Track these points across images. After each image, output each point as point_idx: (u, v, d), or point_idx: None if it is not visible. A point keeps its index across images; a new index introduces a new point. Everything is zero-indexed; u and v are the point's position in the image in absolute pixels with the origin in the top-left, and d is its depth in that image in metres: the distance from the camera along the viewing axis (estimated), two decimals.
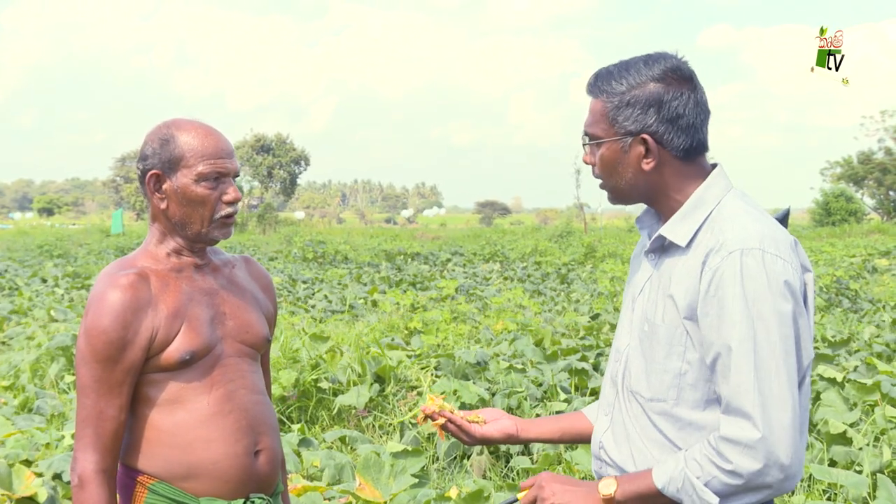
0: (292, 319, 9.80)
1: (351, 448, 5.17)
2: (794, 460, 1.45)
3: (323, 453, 4.53)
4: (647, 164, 1.60)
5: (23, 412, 5.69)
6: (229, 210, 1.81)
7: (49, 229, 43.33)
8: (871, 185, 41.66)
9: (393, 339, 7.65)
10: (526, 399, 5.61)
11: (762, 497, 1.48)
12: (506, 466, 4.95)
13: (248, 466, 1.81)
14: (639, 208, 1.76)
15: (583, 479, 1.68)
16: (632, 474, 1.60)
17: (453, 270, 18.94)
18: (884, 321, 9.93)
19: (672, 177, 1.62)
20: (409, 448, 4.17)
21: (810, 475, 4.34)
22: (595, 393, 5.95)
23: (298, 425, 5.16)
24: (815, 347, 7.37)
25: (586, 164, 1.69)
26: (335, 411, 5.87)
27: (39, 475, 4.04)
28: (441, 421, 1.91)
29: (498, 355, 7.21)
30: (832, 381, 5.49)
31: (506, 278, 16.64)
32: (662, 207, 1.65)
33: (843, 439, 4.74)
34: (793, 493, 4.26)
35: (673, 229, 1.61)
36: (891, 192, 41.32)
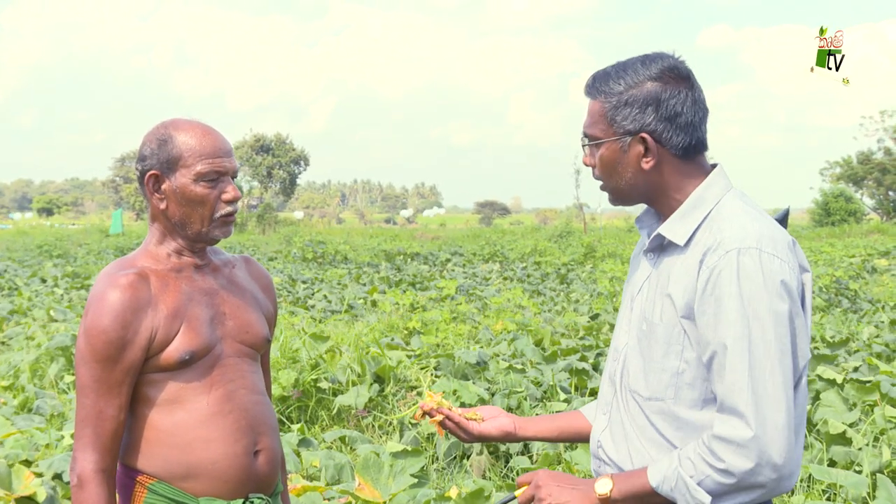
0: (292, 319, 9.80)
1: (350, 448, 5.17)
2: (788, 460, 1.44)
3: (322, 453, 4.53)
4: (647, 164, 1.61)
5: (22, 412, 5.69)
6: (229, 209, 1.81)
7: (48, 229, 43.35)
8: (870, 185, 41.68)
9: (392, 339, 7.65)
10: (525, 399, 5.61)
11: (756, 497, 1.48)
12: (505, 466, 4.95)
13: (248, 466, 1.81)
14: (639, 208, 1.76)
15: (583, 478, 1.67)
16: (627, 473, 1.60)
17: (453, 270, 18.94)
18: (882, 322, 9.94)
19: (671, 176, 1.62)
20: (409, 448, 4.17)
21: (810, 475, 4.34)
22: (594, 393, 5.95)
23: (298, 425, 5.16)
24: (815, 348, 7.38)
25: (586, 165, 1.69)
26: (335, 411, 5.87)
27: (39, 475, 4.04)
28: (439, 418, 1.91)
29: (497, 355, 7.22)
30: (832, 381, 5.49)
31: (505, 278, 16.64)
32: (662, 207, 1.65)
33: (843, 439, 4.74)
34: (792, 493, 4.26)
35: (672, 228, 1.61)
36: (890, 193, 41.34)
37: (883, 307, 11.48)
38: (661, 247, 1.65)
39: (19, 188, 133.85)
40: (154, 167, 1.78)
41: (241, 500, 1.80)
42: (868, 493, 4.06)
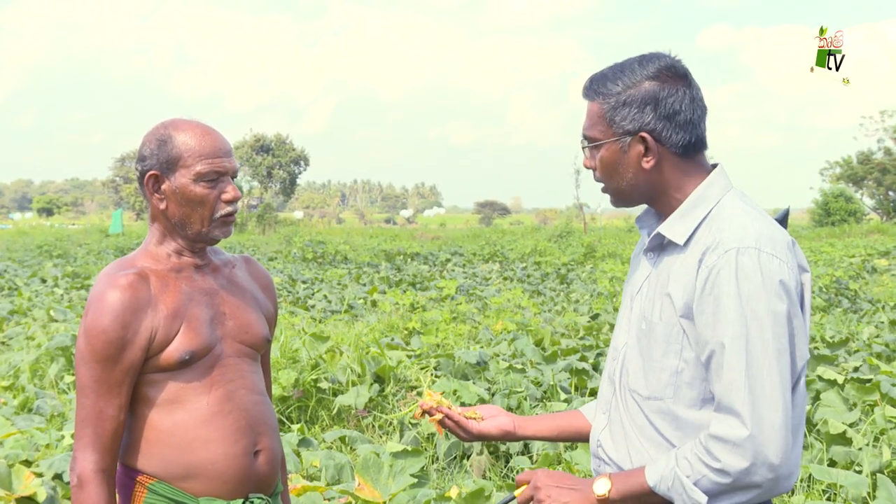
0: (292, 319, 9.80)
1: (350, 448, 5.17)
2: (785, 460, 1.44)
3: (322, 453, 4.53)
4: (648, 163, 1.61)
5: (22, 412, 5.69)
6: (229, 209, 1.81)
7: (48, 229, 43.35)
8: (870, 185, 41.67)
9: (392, 340, 7.65)
10: (525, 399, 5.61)
11: (752, 497, 1.48)
12: (505, 466, 4.96)
13: (247, 467, 1.81)
14: (639, 208, 1.76)
15: (581, 477, 1.67)
16: (626, 472, 1.60)
17: (453, 270, 18.94)
18: (882, 322, 9.94)
19: (672, 175, 1.62)
20: (409, 448, 4.17)
21: (810, 475, 4.34)
22: (594, 393, 5.95)
23: (298, 425, 5.16)
24: (815, 348, 7.37)
25: (587, 168, 1.69)
26: (335, 411, 5.87)
27: (39, 475, 4.04)
28: (438, 416, 1.91)
29: (498, 355, 7.22)
30: (832, 381, 5.49)
31: (505, 278, 16.64)
32: (663, 207, 1.65)
33: (843, 439, 4.74)
34: (792, 492, 4.26)
35: (671, 227, 1.61)
36: (890, 193, 41.33)
37: (883, 307, 11.47)
38: (661, 246, 1.65)
39: (19, 188, 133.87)
40: (154, 167, 1.78)
41: (241, 501, 1.80)
42: (868, 493, 4.06)
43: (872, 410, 5.25)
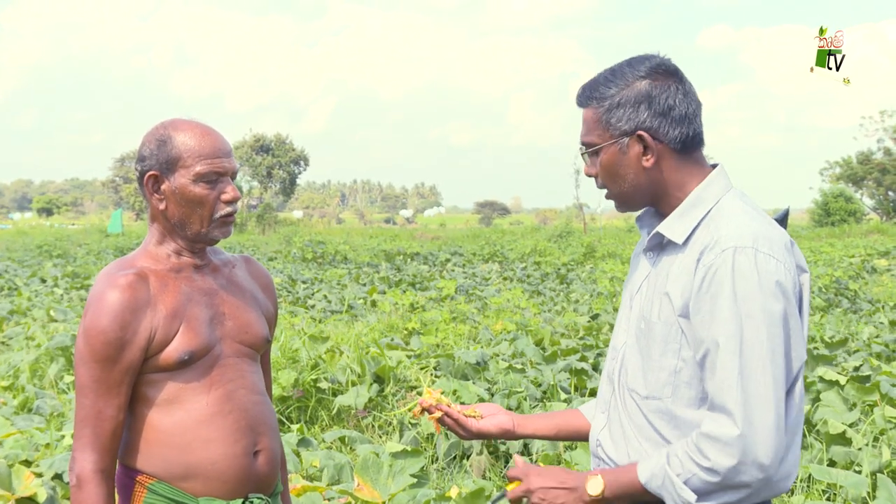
0: (292, 319, 9.80)
1: (350, 448, 5.17)
2: (775, 461, 1.44)
3: (322, 453, 4.53)
4: (648, 161, 1.61)
5: (22, 412, 5.69)
6: (228, 210, 1.81)
7: (48, 229, 43.35)
8: (870, 185, 41.68)
9: (392, 340, 7.65)
10: (525, 399, 5.61)
11: (742, 496, 1.48)
12: (505, 466, 4.95)
13: (247, 467, 1.81)
14: None
15: (572, 471, 1.68)
16: (618, 470, 1.60)
17: (453, 271, 18.94)
18: (882, 322, 9.94)
19: (672, 173, 1.63)
20: (409, 448, 4.17)
21: (810, 475, 4.34)
22: (594, 393, 5.95)
23: (298, 425, 5.16)
24: (815, 348, 7.37)
25: (589, 176, 1.69)
26: (334, 411, 5.87)
27: (39, 475, 4.04)
28: (438, 414, 1.92)
29: (497, 355, 7.22)
30: (832, 381, 5.49)
31: (505, 278, 16.64)
32: (665, 207, 1.66)
33: (843, 439, 4.75)
34: (792, 492, 4.27)
35: (670, 226, 1.62)
36: (890, 193, 41.34)
37: (882, 307, 11.48)
38: (661, 245, 1.66)
39: (19, 188, 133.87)
40: (153, 167, 1.78)
41: (241, 501, 1.80)
42: (868, 494, 4.06)
43: (872, 410, 5.25)
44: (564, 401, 5.71)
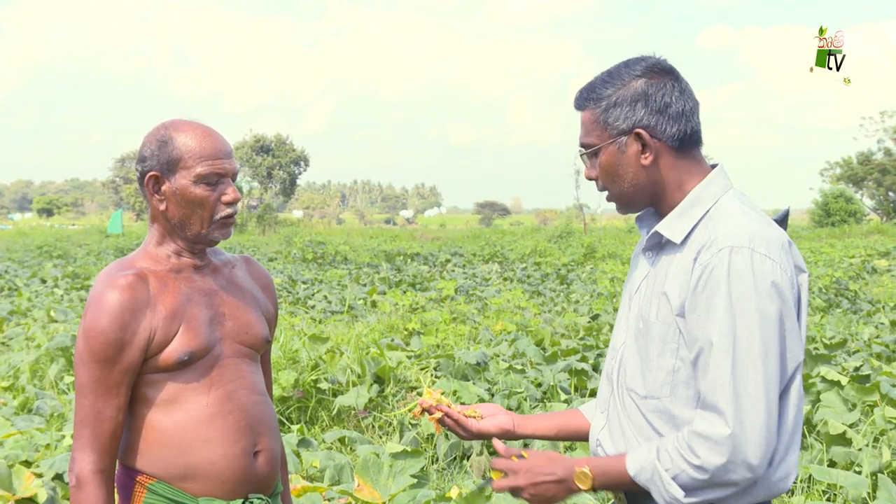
0: (292, 320, 9.80)
1: (350, 449, 5.17)
2: (765, 461, 1.45)
3: (322, 454, 4.53)
4: (647, 160, 1.62)
5: (22, 413, 5.69)
6: (229, 211, 1.81)
7: (48, 230, 43.34)
8: (870, 185, 41.69)
9: (392, 340, 7.65)
10: (525, 400, 5.61)
11: (728, 494, 1.49)
12: None
13: (247, 467, 1.81)
14: None
15: (558, 458, 1.68)
16: (607, 460, 1.61)
17: (453, 271, 18.94)
18: (882, 322, 9.94)
19: (671, 171, 1.63)
20: (409, 449, 4.17)
21: (810, 476, 4.34)
22: (594, 394, 5.95)
23: (298, 426, 5.16)
24: (815, 348, 7.37)
25: (590, 178, 1.70)
26: (335, 412, 5.87)
27: (39, 476, 4.04)
28: (438, 415, 1.92)
29: (498, 356, 7.22)
30: (832, 382, 5.49)
31: (505, 279, 16.64)
32: (665, 207, 1.66)
33: (843, 440, 4.75)
34: (792, 493, 4.27)
35: (669, 226, 1.62)
36: (890, 193, 41.34)
37: (883, 308, 11.48)
38: (660, 245, 1.66)
39: (19, 189, 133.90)
40: (154, 168, 1.78)
41: (241, 501, 1.80)
42: (868, 494, 4.06)
43: (872, 411, 5.26)
44: (564, 401, 5.71)
